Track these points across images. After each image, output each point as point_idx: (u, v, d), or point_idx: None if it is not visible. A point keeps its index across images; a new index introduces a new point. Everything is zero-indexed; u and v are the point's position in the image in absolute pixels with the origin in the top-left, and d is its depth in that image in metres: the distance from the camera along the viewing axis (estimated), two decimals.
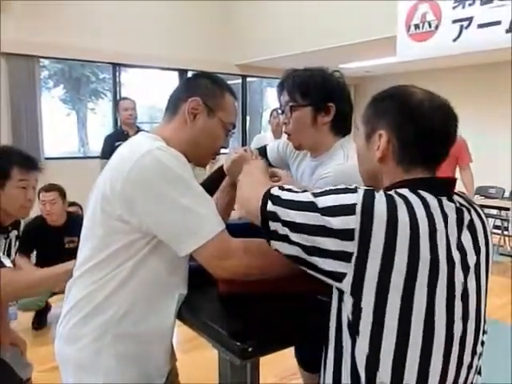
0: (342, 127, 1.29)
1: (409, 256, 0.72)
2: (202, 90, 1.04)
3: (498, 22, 2.79)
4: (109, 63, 5.26)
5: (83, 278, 0.97)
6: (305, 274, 0.97)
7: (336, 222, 0.72)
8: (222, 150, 1.17)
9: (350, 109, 1.31)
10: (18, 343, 1.76)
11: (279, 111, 1.38)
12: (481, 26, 2.89)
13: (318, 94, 1.23)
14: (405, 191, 0.78)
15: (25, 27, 4.47)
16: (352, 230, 0.71)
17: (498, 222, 5.01)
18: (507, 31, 2.77)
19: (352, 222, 0.72)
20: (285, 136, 1.38)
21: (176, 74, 5.72)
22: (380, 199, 0.74)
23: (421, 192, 0.78)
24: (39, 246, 2.57)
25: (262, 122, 7.77)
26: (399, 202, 0.74)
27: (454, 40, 3.09)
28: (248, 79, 6.45)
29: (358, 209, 0.72)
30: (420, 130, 0.80)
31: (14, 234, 1.65)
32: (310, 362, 1.50)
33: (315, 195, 0.78)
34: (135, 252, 0.93)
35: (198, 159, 1.09)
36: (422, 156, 0.82)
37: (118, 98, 5.30)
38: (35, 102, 4.67)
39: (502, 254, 4.74)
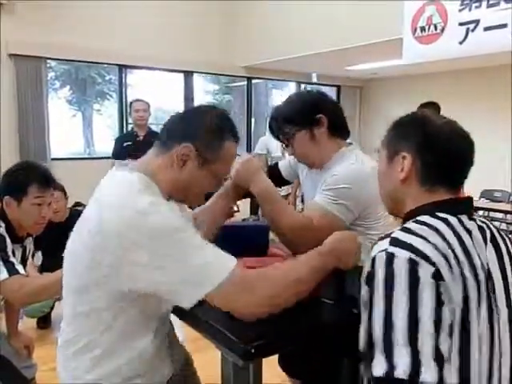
0: (339, 130, 1.36)
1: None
2: (199, 138, 0.96)
3: (505, 25, 2.78)
4: (115, 65, 5.29)
5: (70, 325, 0.97)
6: None
7: None
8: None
9: (339, 111, 1.39)
10: (28, 344, 1.80)
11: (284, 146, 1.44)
12: (487, 28, 2.88)
13: (303, 115, 1.32)
14: (427, 219, 0.81)
15: (32, 29, 4.50)
16: None
17: (504, 226, 4.97)
18: None
19: None
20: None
21: (182, 75, 5.75)
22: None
23: (441, 214, 0.82)
24: (45, 243, 2.62)
25: (267, 124, 7.76)
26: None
27: (461, 43, 3.08)
28: (253, 81, 6.46)
29: None
30: (443, 153, 0.85)
31: (29, 241, 1.67)
32: (293, 370, 1.50)
33: None
34: (117, 309, 0.91)
35: (184, 201, 1.06)
36: (445, 178, 0.86)
37: (123, 99, 5.34)
38: (42, 102, 4.71)
39: None
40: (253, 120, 6.68)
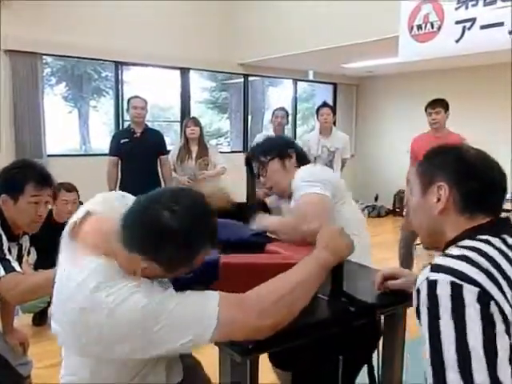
0: (303, 160, 1.64)
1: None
2: (169, 260, 0.91)
3: (501, 24, 2.78)
4: (111, 61, 5.26)
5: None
6: None
7: None
8: None
9: (302, 149, 1.74)
10: (24, 341, 1.79)
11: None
12: (483, 27, 2.88)
13: (277, 147, 1.61)
14: (467, 242, 0.80)
15: (28, 24, 4.47)
16: None
17: None
18: (510, 32, 2.77)
19: None
20: None
21: (178, 72, 5.73)
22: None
23: (481, 236, 0.81)
24: (42, 240, 2.62)
25: (263, 122, 7.78)
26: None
27: (457, 41, 3.08)
28: (250, 78, 6.45)
29: None
30: (482, 181, 0.85)
31: (25, 239, 1.67)
32: (281, 360, 1.54)
33: None
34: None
35: None
36: (484, 205, 0.86)
37: (120, 96, 5.32)
38: (38, 99, 4.67)
39: None
40: (249, 117, 6.68)
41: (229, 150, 7.08)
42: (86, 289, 0.87)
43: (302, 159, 1.63)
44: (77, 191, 2.78)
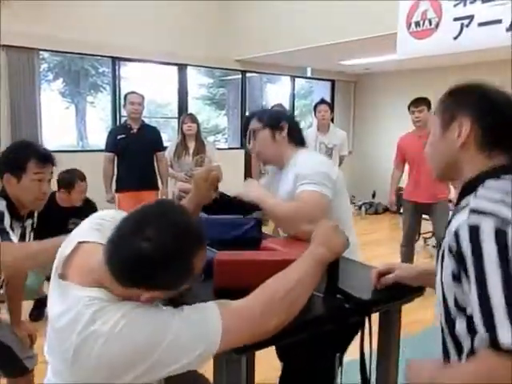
0: (296, 138, 1.62)
1: None
2: (162, 284, 0.86)
3: (499, 21, 2.77)
4: (108, 57, 5.24)
5: None
6: None
7: None
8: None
9: (298, 125, 1.68)
10: (32, 333, 1.80)
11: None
12: (481, 24, 2.88)
13: (271, 117, 1.61)
14: (495, 183, 0.81)
15: (25, 19, 4.44)
16: None
17: None
18: (508, 30, 2.76)
19: None
20: None
21: (175, 68, 5.71)
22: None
23: (506, 176, 0.82)
24: (43, 222, 2.66)
25: None
26: None
27: (455, 38, 3.08)
28: (248, 75, 6.43)
29: None
30: (503, 117, 0.87)
31: (29, 222, 1.67)
32: (291, 359, 1.52)
33: None
34: None
35: None
36: (504, 142, 0.87)
37: (117, 92, 5.29)
38: (34, 94, 4.66)
39: None
40: (247, 114, 6.66)
41: (226, 147, 7.07)
42: (79, 325, 0.82)
43: (296, 136, 1.62)
44: (85, 180, 2.95)
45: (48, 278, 2.57)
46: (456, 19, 3.06)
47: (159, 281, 0.83)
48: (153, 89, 6.27)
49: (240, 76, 6.35)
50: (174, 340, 0.81)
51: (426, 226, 3.76)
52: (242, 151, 5.78)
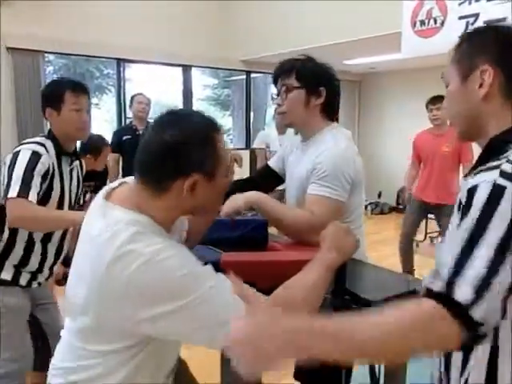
0: (330, 110, 1.44)
1: None
2: (196, 162, 0.85)
3: (504, 19, 2.75)
4: (113, 58, 5.26)
5: (74, 352, 0.91)
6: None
7: None
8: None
9: (338, 95, 1.47)
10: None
11: (275, 96, 1.48)
12: (487, 22, 2.86)
13: (311, 78, 1.38)
14: None
15: (30, 22, 4.47)
16: None
17: None
18: None
19: None
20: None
21: (180, 69, 5.72)
22: None
23: None
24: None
25: (265, 119, 7.75)
26: None
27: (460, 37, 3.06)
28: (252, 75, 6.43)
29: None
30: None
31: (76, 163, 1.75)
32: (307, 378, 1.47)
33: None
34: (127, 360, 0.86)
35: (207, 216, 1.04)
36: None
37: (122, 93, 5.31)
38: (40, 96, 4.68)
39: None
40: (252, 114, 6.66)
41: (231, 147, 7.08)
42: (118, 240, 0.78)
43: (331, 108, 1.43)
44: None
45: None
46: (461, 17, 3.03)
47: (190, 160, 0.83)
48: (158, 90, 6.28)
49: (244, 76, 6.35)
50: (208, 296, 0.79)
51: (433, 225, 3.73)
52: (247, 151, 5.78)
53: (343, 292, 1.09)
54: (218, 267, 1.04)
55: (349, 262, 1.09)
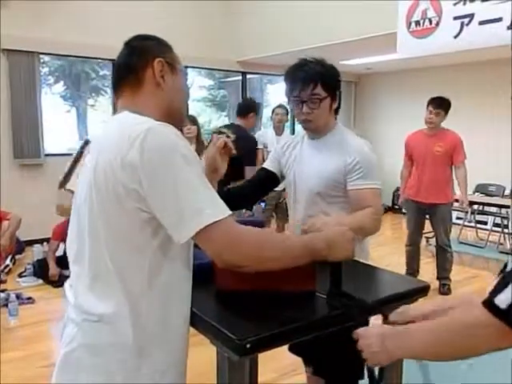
0: (338, 108, 1.54)
1: None
2: (157, 50, 1.00)
3: (500, 19, 2.76)
4: (109, 60, 5.23)
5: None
6: (300, 274, 0.99)
7: None
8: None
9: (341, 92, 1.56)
10: None
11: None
12: (482, 22, 2.87)
13: (334, 86, 1.48)
14: None
15: (25, 23, 4.45)
16: None
17: (498, 220, 5.00)
18: (508, 28, 2.75)
19: None
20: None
21: None
22: None
23: None
24: None
25: (262, 119, 7.74)
26: None
27: (455, 37, 3.07)
28: (248, 76, 6.43)
29: None
30: None
31: None
32: (319, 366, 1.47)
33: None
34: (149, 260, 0.88)
35: (178, 121, 1.03)
36: None
37: None
38: (35, 98, 4.66)
39: (501, 252, 4.71)
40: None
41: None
42: (140, 128, 0.85)
43: (340, 105, 1.54)
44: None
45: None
46: (456, 18, 3.05)
47: (152, 49, 1.00)
48: None
49: (240, 78, 6.34)
50: (195, 176, 0.84)
51: (428, 225, 3.74)
52: None
53: (339, 294, 1.08)
54: (211, 268, 1.03)
55: (344, 262, 1.08)
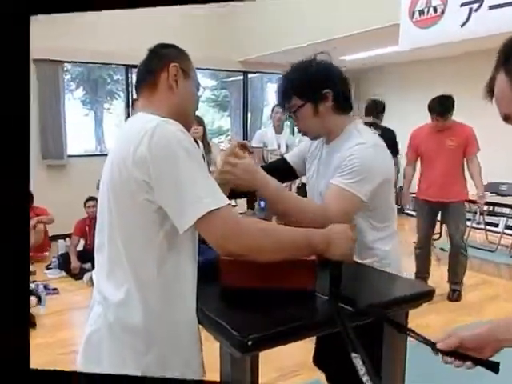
0: (343, 106, 1.30)
1: None
2: (174, 56, 1.03)
3: (511, 3, 2.52)
4: (122, 65, 5.27)
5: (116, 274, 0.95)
6: (301, 272, 0.97)
7: None
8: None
9: (345, 86, 1.31)
10: None
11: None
12: (492, 7, 2.62)
13: (310, 88, 1.25)
14: None
15: (51, 34, 4.51)
16: None
17: (511, 222, 4.62)
18: None
19: None
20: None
21: None
22: None
23: None
24: None
25: (262, 118, 7.58)
26: None
27: (462, 25, 2.82)
28: (249, 75, 6.31)
29: None
30: None
31: None
32: (334, 375, 1.41)
33: None
34: (158, 248, 0.91)
35: (186, 123, 1.04)
36: None
37: (130, 98, 5.31)
38: (59, 104, 4.90)
39: None
40: (249, 114, 6.57)
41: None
42: (155, 123, 0.90)
43: (343, 103, 1.29)
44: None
45: None
46: (463, 4, 2.79)
47: (168, 55, 1.05)
48: None
49: (242, 77, 6.23)
50: (197, 168, 0.88)
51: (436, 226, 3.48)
52: None
53: (339, 296, 0.98)
54: (216, 265, 0.99)
55: (348, 264, 1.01)
